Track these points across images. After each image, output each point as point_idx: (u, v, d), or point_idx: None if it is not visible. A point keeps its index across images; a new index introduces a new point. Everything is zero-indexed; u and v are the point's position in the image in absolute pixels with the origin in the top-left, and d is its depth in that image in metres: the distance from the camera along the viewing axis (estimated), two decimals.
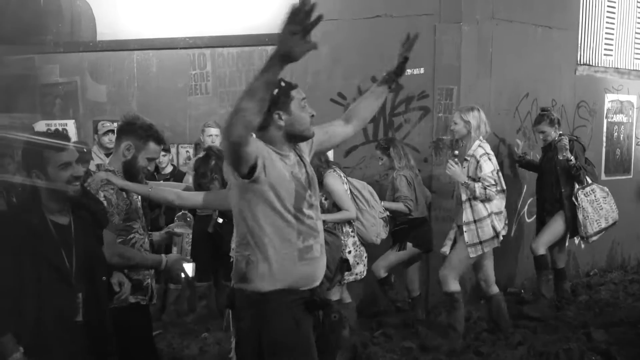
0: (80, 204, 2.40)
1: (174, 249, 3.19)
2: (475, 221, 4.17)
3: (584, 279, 6.18)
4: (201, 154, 3.20)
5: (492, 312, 4.58)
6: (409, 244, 4.72)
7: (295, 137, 2.37)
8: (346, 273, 4.07)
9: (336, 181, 4.10)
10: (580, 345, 4.15)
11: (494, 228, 4.18)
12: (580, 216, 4.83)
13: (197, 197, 3.02)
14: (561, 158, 4.77)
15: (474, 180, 4.16)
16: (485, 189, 4.10)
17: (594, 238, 4.94)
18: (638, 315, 4.85)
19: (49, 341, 2.21)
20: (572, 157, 4.79)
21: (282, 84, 2.33)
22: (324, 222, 3.63)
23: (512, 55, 5.59)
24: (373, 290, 5.15)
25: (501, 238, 4.28)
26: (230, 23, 5.72)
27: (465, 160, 4.26)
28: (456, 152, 4.42)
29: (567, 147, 4.79)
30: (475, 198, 4.14)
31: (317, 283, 2.41)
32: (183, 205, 3.12)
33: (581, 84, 6.19)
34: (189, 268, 3.03)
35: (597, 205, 4.85)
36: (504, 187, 4.28)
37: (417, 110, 5.46)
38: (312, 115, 2.37)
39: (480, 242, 4.18)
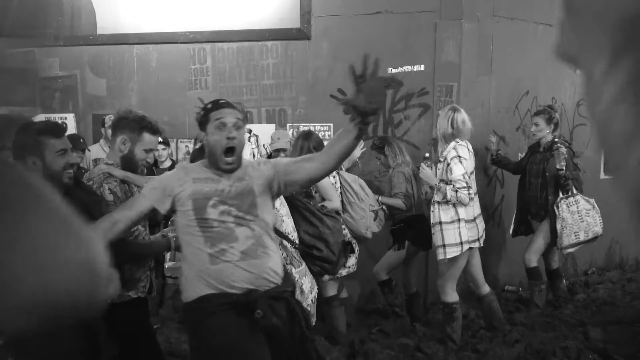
0: (72, 195, 2.40)
1: (168, 254, 3.19)
2: (441, 223, 4.12)
3: (581, 277, 6.19)
4: (198, 145, 3.19)
5: (484, 312, 4.58)
6: (408, 243, 4.71)
7: (212, 157, 2.47)
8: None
9: None
10: (577, 344, 4.15)
11: (460, 235, 4.09)
12: (558, 226, 4.69)
13: None
14: (558, 167, 4.69)
15: (446, 183, 4.10)
16: (456, 191, 4.02)
17: (570, 250, 4.79)
18: (635, 314, 4.86)
19: (34, 335, 2.21)
20: (564, 167, 4.70)
21: (209, 105, 2.49)
22: (323, 206, 3.67)
23: (513, 52, 5.59)
24: (371, 287, 5.16)
25: (470, 246, 4.14)
26: (231, 18, 5.71)
27: (440, 162, 4.23)
28: (427, 154, 4.45)
29: (565, 156, 4.72)
30: (446, 201, 4.10)
31: (249, 286, 2.39)
32: None
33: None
34: None
35: (577, 217, 4.68)
36: (475, 192, 4.21)
37: (416, 107, 5.46)
38: (230, 138, 2.41)
39: (444, 245, 4.12)
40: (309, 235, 3.17)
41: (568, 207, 4.68)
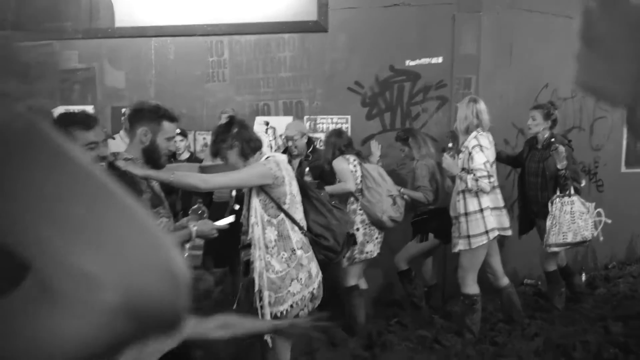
0: None
1: (188, 244, 3.18)
2: (466, 214, 4.14)
3: (602, 271, 6.12)
4: (224, 120, 3.16)
5: (503, 304, 4.55)
6: (431, 235, 4.71)
7: None
8: (356, 252, 4.33)
9: (340, 162, 4.41)
10: (598, 338, 4.12)
11: (485, 224, 4.11)
12: (548, 222, 4.58)
13: (221, 179, 3.01)
14: (559, 167, 4.59)
15: (467, 172, 4.11)
16: (477, 180, 4.04)
17: (554, 249, 4.62)
18: None
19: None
20: (564, 167, 4.58)
21: None
22: (331, 196, 3.72)
23: (532, 45, 5.53)
24: (390, 278, 5.15)
25: (498, 234, 4.16)
26: (248, 11, 5.71)
27: (461, 151, 4.24)
28: (449, 144, 4.46)
29: (565, 155, 4.61)
30: (469, 190, 4.10)
31: None
32: (208, 188, 3.11)
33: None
34: (226, 221, 3.04)
35: (569, 218, 4.54)
36: (497, 183, 4.21)
37: (434, 100, 5.43)
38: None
39: (469, 236, 4.13)
40: (318, 225, 3.22)
41: (562, 206, 4.55)
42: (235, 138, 3.01)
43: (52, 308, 0.51)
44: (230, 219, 3.11)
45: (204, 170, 3.39)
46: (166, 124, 2.83)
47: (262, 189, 2.97)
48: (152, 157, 2.82)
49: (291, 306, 2.92)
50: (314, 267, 3.03)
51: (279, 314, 2.92)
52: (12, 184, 0.52)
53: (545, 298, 5.05)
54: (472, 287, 4.28)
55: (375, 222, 4.40)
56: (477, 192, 4.09)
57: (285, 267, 2.92)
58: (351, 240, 3.79)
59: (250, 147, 3.02)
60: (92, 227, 0.52)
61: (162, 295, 0.53)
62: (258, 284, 2.95)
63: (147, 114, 2.81)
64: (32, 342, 0.53)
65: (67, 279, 0.50)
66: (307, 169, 4.48)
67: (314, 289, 2.98)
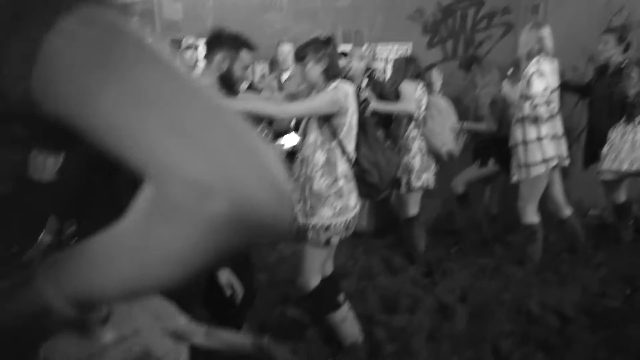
0: None
1: None
2: (524, 142, 4.02)
3: None
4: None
5: (566, 234, 4.47)
6: (491, 162, 4.64)
7: None
8: (413, 178, 4.33)
9: (407, 85, 4.29)
10: None
11: (543, 153, 3.98)
12: (605, 148, 4.37)
13: (296, 107, 3.00)
14: (629, 94, 4.35)
15: (525, 98, 3.96)
16: (535, 107, 3.89)
17: (607, 176, 4.41)
18: None
19: None
20: (633, 94, 4.27)
21: None
22: (388, 125, 3.67)
23: None
24: (450, 207, 5.13)
25: (556, 162, 4.04)
26: None
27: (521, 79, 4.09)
28: (509, 72, 4.30)
29: (637, 81, 4.35)
30: (527, 117, 3.96)
31: None
32: (285, 117, 3.11)
33: None
34: (289, 140, 3.05)
35: (629, 147, 4.27)
36: (556, 111, 4.03)
37: (499, 27, 5.23)
38: None
39: (527, 165, 4.02)
40: (367, 161, 3.21)
41: (624, 134, 4.31)
42: (327, 55, 2.97)
43: (165, 219, 0.53)
44: (295, 137, 3.12)
45: (287, 98, 3.39)
46: (244, 53, 2.82)
47: (324, 116, 2.95)
48: (228, 84, 2.83)
49: (326, 229, 2.92)
50: (353, 199, 3.02)
51: (310, 227, 2.94)
52: (125, 91, 0.53)
53: (611, 230, 4.92)
54: (532, 217, 4.21)
55: (433, 151, 4.37)
56: (536, 120, 3.96)
57: (324, 190, 2.92)
58: (396, 184, 3.77)
59: (334, 71, 2.98)
60: (203, 135, 0.53)
61: (269, 204, 0.53)
62: (300, 195, 2.99)
63: (227, 41, 2.80)
64: (146, 256, 0.55)
65: (178, 188, 0.51)
66: (367, 81, 4.37)
67: (349, 219, 2.98)
